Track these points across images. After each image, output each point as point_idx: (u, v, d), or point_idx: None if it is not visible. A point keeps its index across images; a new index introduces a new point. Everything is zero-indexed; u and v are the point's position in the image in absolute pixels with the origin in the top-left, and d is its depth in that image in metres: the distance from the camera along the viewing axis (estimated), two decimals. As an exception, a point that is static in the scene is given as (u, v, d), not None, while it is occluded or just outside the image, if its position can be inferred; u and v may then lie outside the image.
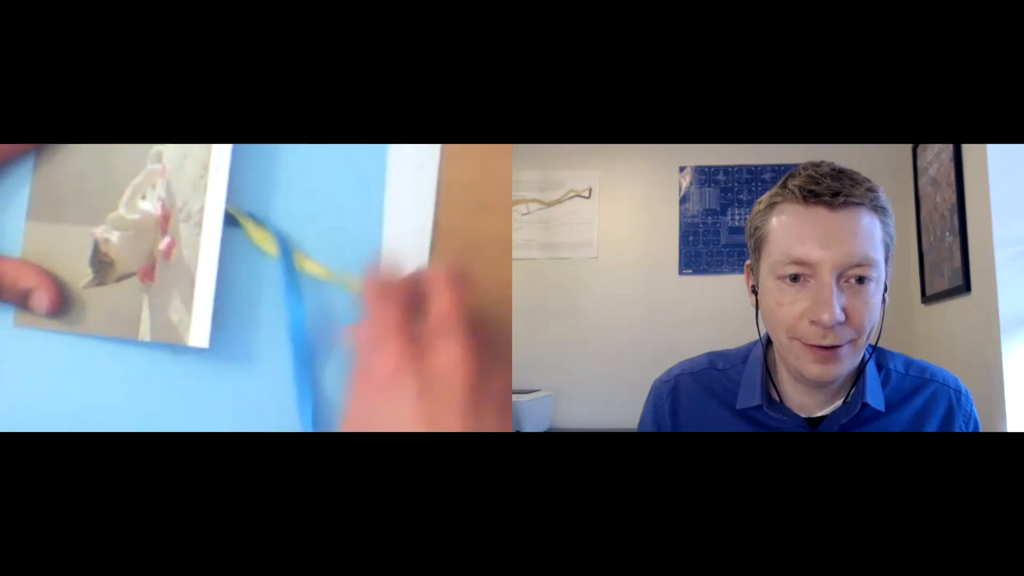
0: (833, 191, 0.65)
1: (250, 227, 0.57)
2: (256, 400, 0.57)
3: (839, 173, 0.67)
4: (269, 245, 0.57)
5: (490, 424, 0.49)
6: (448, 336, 0.49)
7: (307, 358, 0.57)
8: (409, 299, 0.52)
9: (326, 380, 0.57)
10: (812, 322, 0.65)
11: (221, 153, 0.55)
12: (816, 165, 0.68)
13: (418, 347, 0.49)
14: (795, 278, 0.66)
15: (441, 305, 0.51)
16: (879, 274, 0.67)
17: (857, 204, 0.66)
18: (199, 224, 0.55)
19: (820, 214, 0.66)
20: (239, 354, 0.57)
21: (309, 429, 0.56)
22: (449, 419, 0.48)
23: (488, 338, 0.51)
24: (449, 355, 0.49)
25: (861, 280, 0.65)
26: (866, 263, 0.65)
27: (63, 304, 0.55)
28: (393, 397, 0.48)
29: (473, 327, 0.50)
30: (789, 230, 0.67)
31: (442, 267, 0.53)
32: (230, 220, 0.57)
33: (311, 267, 0.57)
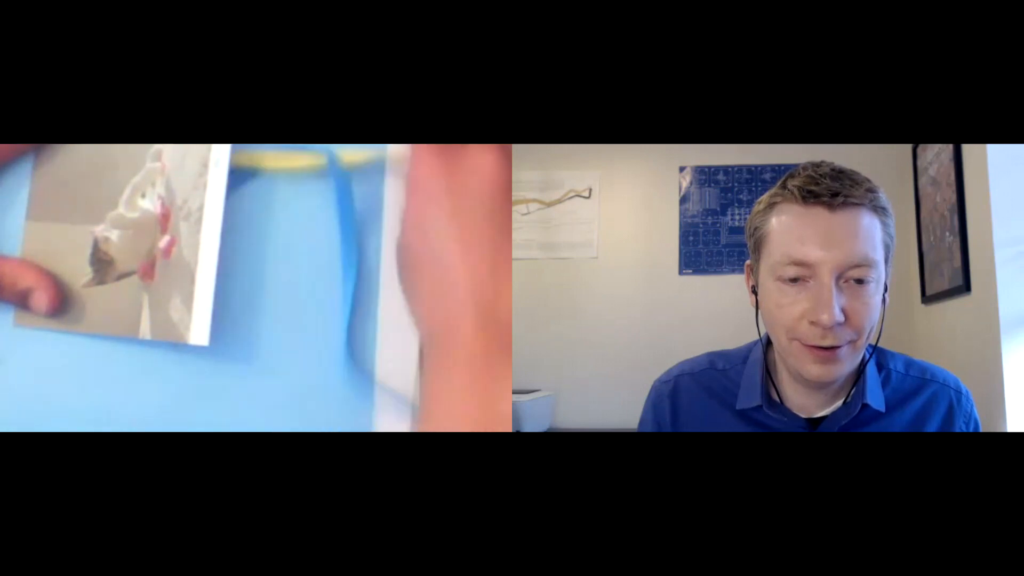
0: (833, 191, 0.65)
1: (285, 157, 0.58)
2: (256, 398, 0.57)
3: (839, 173, 0.67)
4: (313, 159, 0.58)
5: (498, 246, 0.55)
6: (476, 152, 0.56)
7: (351, 232, 0.59)
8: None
9: (370, 253, 0.60)
10: (812, 323, 0.65)
11: (221, 151, 0.55)
12: (816, 165, 0.68)
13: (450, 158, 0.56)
14: (795, 279, 0.66)
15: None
16: (879, 275, 0.66)
17: (857, 205, 0.66)
18: (199, 222, 0.55)
19: (820, 215, 0.66)
20: (239, 352, 0.57)
21: (349, 297, 0.58)
22: (480, 218, 0.54)
23: None
24: (477, 161, 0.56)
25: (861, 281, 0.65)
26: (866, 264, 0.65)
27: (63, 303, 0.55)
28: (434, 197, 0.55)
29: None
30: (789, 231, 0.67)
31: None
32: (240, 176, 0.58)
33: (350, 156, 0.59)
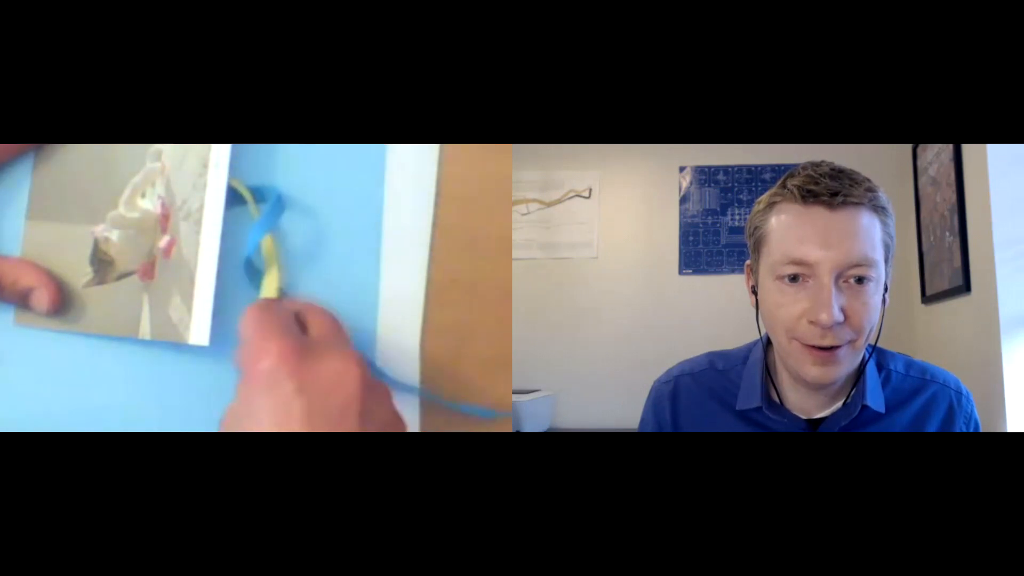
0: (832, 191, 0.65)
1: (252, 203, 0.57)
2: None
3: (838, 173, 0.67)
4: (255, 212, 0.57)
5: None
6: (329, 346, 0.50)
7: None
8: (287, 317, 0.52)
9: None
10: (811, 323, 0.65)
11: (221, 151, 0.55)
12: (816, 165, 0.68)
13: (299, 351, 0.49)
14: (794, 278, 0.66)
15: (323, 323, 0.52)
16: (878, 274, 0.66)
17: (856, 204, 0.66)
18: (199, 222, 0.55)
19: (819, 214, 0.66)
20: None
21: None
22: (324, 421, 0.48)
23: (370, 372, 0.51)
24: (331, 362, 0.49)
25: (860, 280, 0.65)
26: (865, 263, 0.65)
27: (63, 303, 0.55)
28: (273, 392, 0.48)
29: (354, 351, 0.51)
30: (788, 230, 0.67)
31: (312, 302, 0.55)
32: (234, 198, 0.57)
33: (269, 252, 0.57)
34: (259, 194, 0.58)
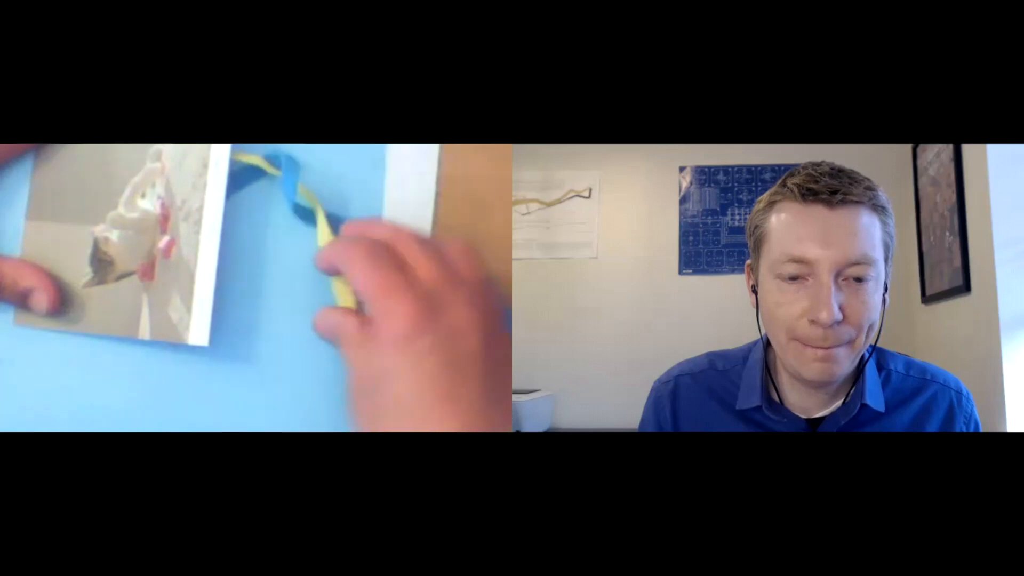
0: (832, 189, 0.65)
1: (267, 166, 0.57)
2: (256, 398, 0.57)
3: (838, 172, 0.67)
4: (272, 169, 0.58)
5: (492, 390, 0.50)
6: (460, 297, 0.51)
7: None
8: (415, 257, 0.53)
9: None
10: (811, 322, 0.65)
11: (220, 151, 0.55)
12: (816, 164, 0.68)
13: (432, 304, 0.50)
14: (794, 277, 0.66)
15: (454, 267, 0.53)
16: (878, 273, 0.66)
17: (856, 203, 0.66)
18: (198, 223, 0.55)
19: (819, 213, 0.66)
20: (239, 352, 0.57)
21: None
22: (460, 380, 0.49)
23: (493, 307, 0.53)
24: (461, 314, 0.50)
25: (860, 279, 0.65)
26: (865, 262, 0.65)
27: (63, 303, 0.55)
28: (408, 353, 0.49)
29: (482, 293, 0.52)
30: (788, 229, 0.67)
31: (450, 237, 0.55)
32: (245, 175, 0.57)
33: (310, 198, 0.57)
34: (270, 160, 0.58)
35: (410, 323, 0.49)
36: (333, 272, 0.54)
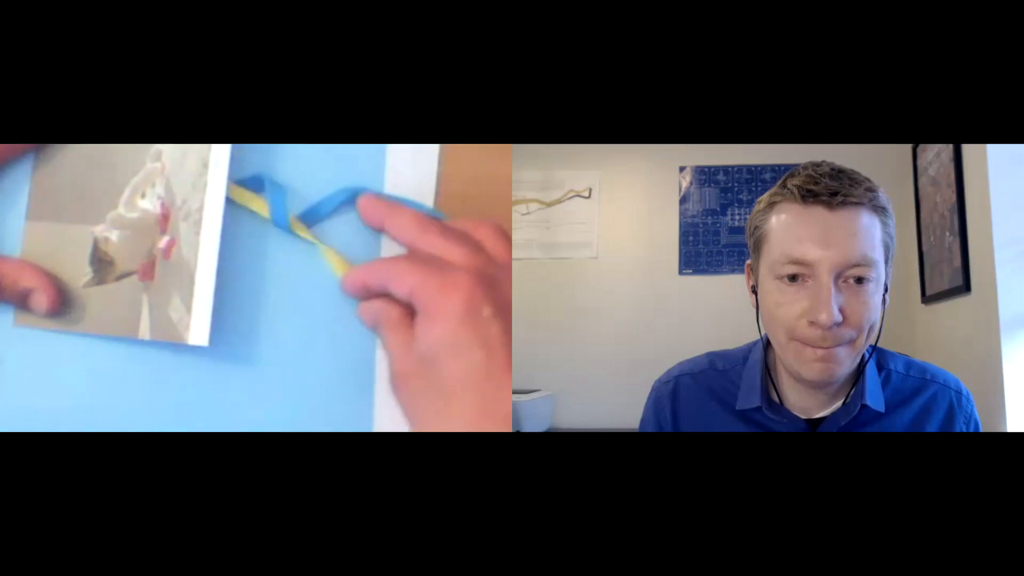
0: (831, 191, 0.65)
1: (243, 195, 0.57)
2: (256, 399, 0.57)
3: (838, 173, 0.67)
4: (262, 208, 0.57)
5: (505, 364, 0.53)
6: (503, 274, 0.55)
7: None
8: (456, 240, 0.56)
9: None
10: (811, 323, 0.65)
11: (220, 152, 0.55)
12: (816, 165, 0.68)
13: (484, 280, 0.53)
14: (793, 278, 0.66)
15: (490, 247, 0.56)
16: (878, 274, 0.66)
17: (856, 204, 0.66)
18: (198, 223, 0.55)
19: (819, 214, 0.66)
20: (239, 353, 0.57)
21: None
22: (510, 351, 0.52)
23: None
24: (507, 290, 0.54)
25: (860, 280, 0.65)
26: (864, 263, 0.65)
27: (63, 304, 0.55)
28: (472, 325, 0.52)
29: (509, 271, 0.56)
30: (788, 230, 0.67)
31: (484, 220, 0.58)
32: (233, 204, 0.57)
33: (302, 231, 0.58)
34: (252, 185, 0.58)
35: (468, 296, 0.53)
36: (365, 295, 0.57)
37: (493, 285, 0.54)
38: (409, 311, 0.55)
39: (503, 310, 0.53)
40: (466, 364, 0.52)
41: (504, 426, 0.51)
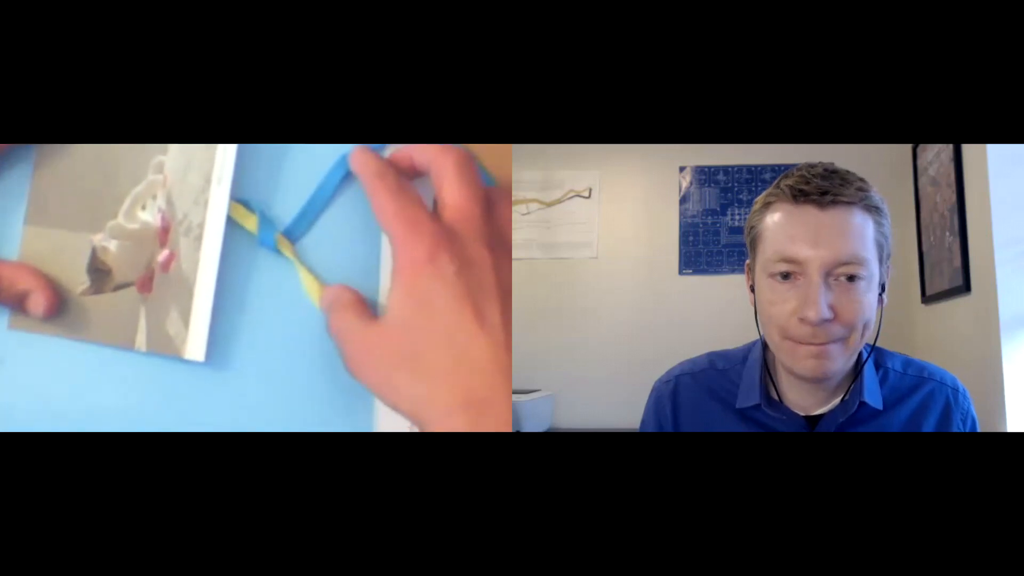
0: (822, 190, 0.67)
1: (240, 212, 0.56)
2: (252, 415, 0.56)
3: (831, 173, 0.68)
4: (250, 223, 0.57)
5: (506, 332, 0.52)
6: (477, 235, 0.54)
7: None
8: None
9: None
10: (800, 319, 0.66)
11: (224, 167, 0.55)
12: (810, 166, 0.69)
13: (450, 236, 0.53)
14: (786, 276, 0.67)
15: (481, 208, 0.55)
16: (870, 273, 0.67)
17: (847, 203, 0.67)
18: (199, 239, 0.54)
19: (810, 213, 0.67)
20: (236, 369, 0.56)
21: None
22: (485, 303, 0.52)
23: (504, 254, 0.56)
24: (475, 250, 0.53)
25: (851, 278, 0.66)
26: (855, 262, 0.66)
27: (59, 307, 0.54)
28: (436, 275, 0.52)
29: (500, 240, 0.56)
30: (780, 229, 0.68)
31: (449, 153, 0.56)
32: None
33: (287, 249, 0.57)
34: (249, 206, 0.57)
35: (431, 248, 0.52)
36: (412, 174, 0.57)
37: (460, 243, 0.53)
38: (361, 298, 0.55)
39: (470, 267, 0.53)
40: (432, 314, 0.51)
41: (503, 389, 0.51)
